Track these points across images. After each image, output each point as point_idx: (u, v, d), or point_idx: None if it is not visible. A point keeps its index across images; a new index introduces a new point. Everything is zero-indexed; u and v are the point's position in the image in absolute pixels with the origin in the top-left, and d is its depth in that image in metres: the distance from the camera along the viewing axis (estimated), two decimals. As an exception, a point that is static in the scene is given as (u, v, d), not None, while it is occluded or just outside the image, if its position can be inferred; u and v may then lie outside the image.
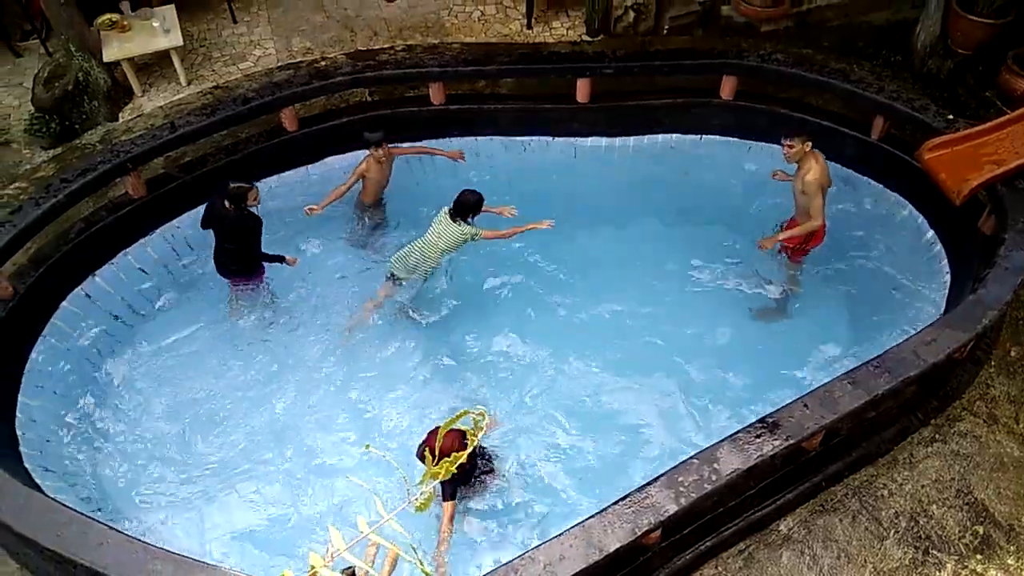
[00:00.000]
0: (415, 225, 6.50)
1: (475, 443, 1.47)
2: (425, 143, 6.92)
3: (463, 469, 4.94)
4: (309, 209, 6.25)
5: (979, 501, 4.82)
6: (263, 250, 5.92)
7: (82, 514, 4.13)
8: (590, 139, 7.26)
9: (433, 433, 4.40)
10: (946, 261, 6.13)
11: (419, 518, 4.77)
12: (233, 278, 6.11)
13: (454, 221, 5.85)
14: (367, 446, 1.92)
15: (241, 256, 5.92)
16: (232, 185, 5.60)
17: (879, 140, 6.53)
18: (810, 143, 5.69)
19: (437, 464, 1.42)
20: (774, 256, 6.34)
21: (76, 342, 5.98)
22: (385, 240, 6.84)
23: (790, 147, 5.69)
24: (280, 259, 6.01)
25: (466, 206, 5.83)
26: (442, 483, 4.55)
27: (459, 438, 4.23)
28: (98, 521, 4.08)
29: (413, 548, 1.44)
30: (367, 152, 6.32)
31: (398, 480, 5.06)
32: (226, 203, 5.66)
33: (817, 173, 5.67)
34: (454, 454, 1.48)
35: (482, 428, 1.47)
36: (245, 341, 6.20)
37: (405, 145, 6.74)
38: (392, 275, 6.09)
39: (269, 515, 5.29)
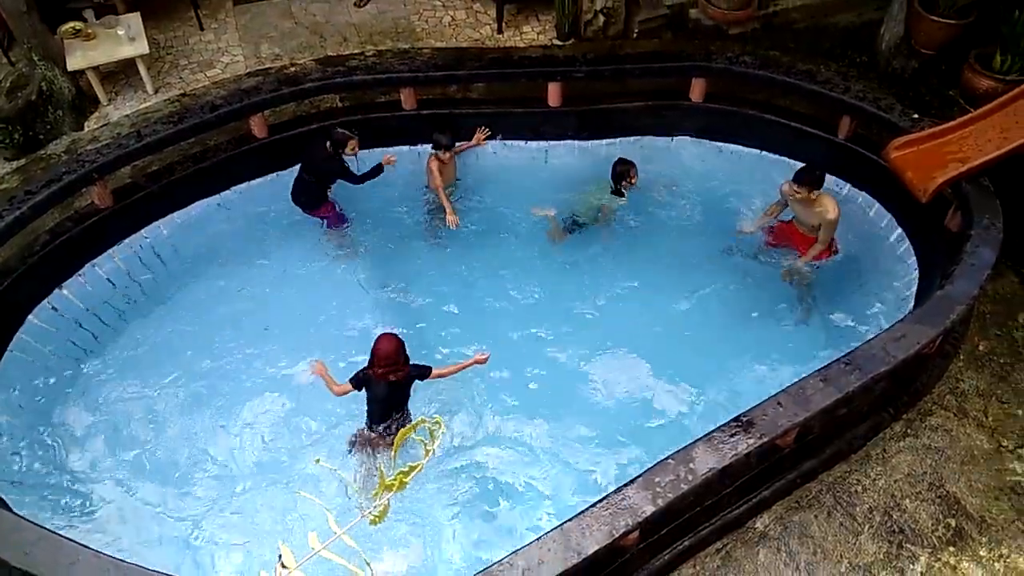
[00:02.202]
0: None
1: (431, 453, 1.45)
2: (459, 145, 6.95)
3: None
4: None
5: (951, 494, 4.89)
6: (357, 174, 6.48)
7: (52, 531, 4.04)
8: (562, 142, 7.28)
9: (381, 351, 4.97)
10: (914, 258, 6.21)
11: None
12: (300, 208, 6.63)
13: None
14: (317, 460, 1.90)
15: (311, 190, 6.52)
16: (338, 130, 6.23)
17: (846, 140, 6.61)
18: (817, 192, 5.85)
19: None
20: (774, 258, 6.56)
21: (44, 356, 5.87)
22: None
23: (796, 192, 5.85)
24: (377, 171, 6.56)
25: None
26: None
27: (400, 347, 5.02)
28: (69, 539, 3.99)
29: (367, 563, 1.42)
30: (431, 151, 6.53)
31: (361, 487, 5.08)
32: (327, 144, 6.25)
33: (835, 212, 5.89)
34: (409, 464, 1.45)
35: (438, 438, 1.45)
36: (214, 346, 6.14)
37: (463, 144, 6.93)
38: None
39: (234, 532, 5.20)
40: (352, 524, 1.43)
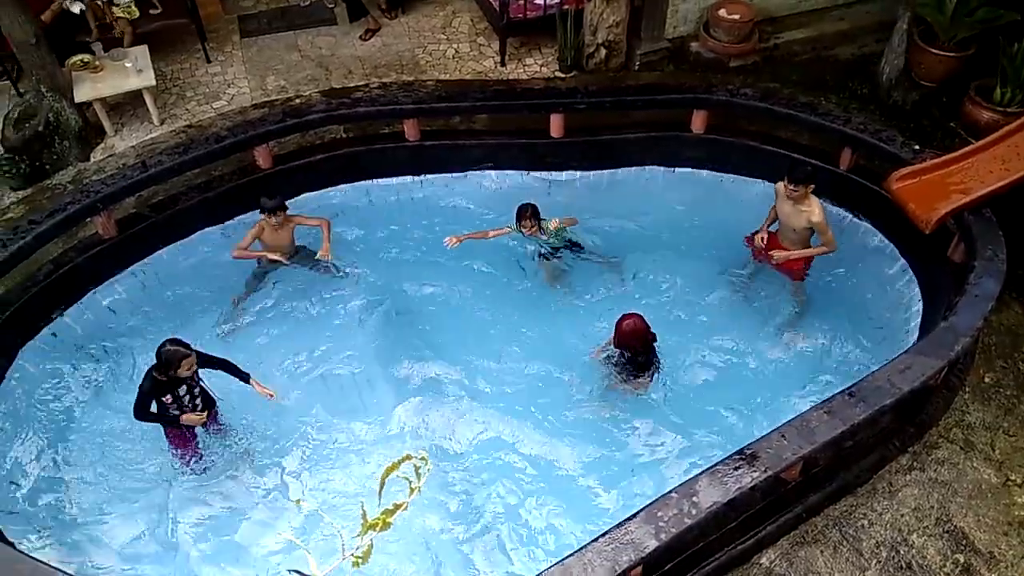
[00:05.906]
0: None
1: (416, 492, 1.41)
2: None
3: None
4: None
5: (959, 529, 4.81)
6: (145, 409, 4.99)
7: (47, 564, 3.99)
8: (564, 173, 7.31)
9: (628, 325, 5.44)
10: (917, 289, 6.18)
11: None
12: None
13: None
14: (297, 501, 1.87)
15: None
16: (167, 346, 4.82)
17: (848, 171, 6.62)
18: (812, 186, 5.87)
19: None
20: (771, 280, 6.50)
21: (43, 384, 5.86)
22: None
23: (794, 191, 5.83)
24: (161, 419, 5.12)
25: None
26: None
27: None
28: (63, 572, 3.95)
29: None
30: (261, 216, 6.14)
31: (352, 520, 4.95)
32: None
33: (821, 213, 5.88)
34: (394, 503, 1.43)
35: (424, 475, 1.42)
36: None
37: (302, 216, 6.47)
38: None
39: (224, 565, 5.09)
40: (334, 565, 1.40)
